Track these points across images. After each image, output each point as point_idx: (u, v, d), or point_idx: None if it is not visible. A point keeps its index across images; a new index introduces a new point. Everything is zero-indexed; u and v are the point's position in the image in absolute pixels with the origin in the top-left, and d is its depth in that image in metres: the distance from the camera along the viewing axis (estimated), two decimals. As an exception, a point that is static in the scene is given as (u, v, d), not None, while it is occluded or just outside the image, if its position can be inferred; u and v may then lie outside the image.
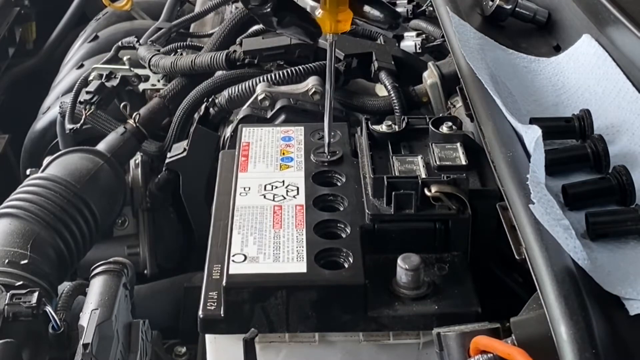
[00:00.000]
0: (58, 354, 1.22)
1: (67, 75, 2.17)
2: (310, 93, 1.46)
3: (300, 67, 1.51)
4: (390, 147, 1.16)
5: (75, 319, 1.24)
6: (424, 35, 1.64)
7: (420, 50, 1.62)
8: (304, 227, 1.07)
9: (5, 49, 2.66)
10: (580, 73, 1.17)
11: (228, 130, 1.53)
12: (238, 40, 1.70)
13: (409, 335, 1.03)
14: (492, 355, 0.83)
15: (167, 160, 1.61)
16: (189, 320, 1.51)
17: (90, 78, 1.81)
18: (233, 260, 1.02)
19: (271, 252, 1.03)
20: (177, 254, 1.76)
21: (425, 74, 1.46)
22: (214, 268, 1.05)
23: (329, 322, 1.01)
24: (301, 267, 1.01)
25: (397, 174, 1.11)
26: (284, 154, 1.22)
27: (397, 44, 1.64)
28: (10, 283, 1.27)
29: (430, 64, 1.46)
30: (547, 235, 0.81)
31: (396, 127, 1.20)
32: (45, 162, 1.59)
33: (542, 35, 1.35)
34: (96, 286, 1.30)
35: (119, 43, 1.91)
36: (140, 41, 1.89)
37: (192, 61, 1.68)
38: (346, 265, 1.02)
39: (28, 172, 1.68)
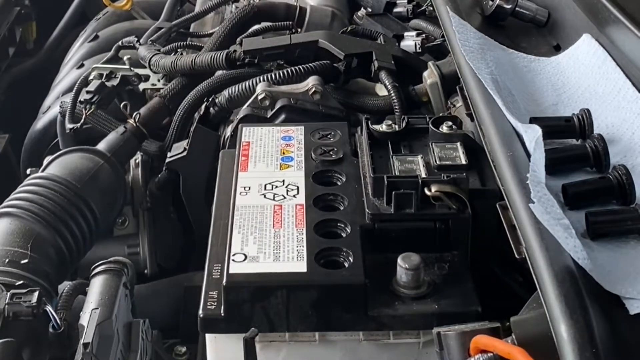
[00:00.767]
0: (58, 353, 1.22)
1: (67, 75, 2.17)
2: (310, 93, 1.46)
3: (300, 66, 1.51)
4: (390, 146, 1.17)
5: (76, 319, 1.24)
6: (424, 35, 1.64)
7: (420, 50, 1.62)
8: (304, 227, 1.07)
9: (5, 49, 2.66)
10: (580, 73, 1.17)
11: (228, 130, 1.53)
12: (238, 40, 1.70)
13: (409, 334, 1.03)
14: (492, 354, 0.83)
15: (167, 160, 1.61)
16: (189, 320, 1.51)
17: (91, 78, 1.81)
18: (233, 260, 1.02)
19: (271, 251, 1.03)
20: (177, 254, 1.76)
21: (425, 74, 1.46)
22: (214, 267, 1.05)
23: (329, 322, 1.01)
24: (301, 266, 1.01)
25: (397, 173, 1.11)
26: (284, 153, 1.22)
27: (397, 44, 1.64)
28: (10, 282, 1.27)
29: (430, 63, 1.46)
30: (547, 235, 0.81)
31: (396, 126, 1.20)
32: (45, 161, 1.59)
33: (542, 35, 1.35)
34: (96, 285, 1.30)
35: (119, 43, 1.91)
36: (141, 41, 1.89)
37: (192, 61, 1.68)
38: (346, 265, 1.02)
39: (28, 171, 1.67)
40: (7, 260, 1.33)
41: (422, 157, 1.13)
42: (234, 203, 1.12)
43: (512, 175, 0.91)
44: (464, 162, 1.12)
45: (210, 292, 1.02)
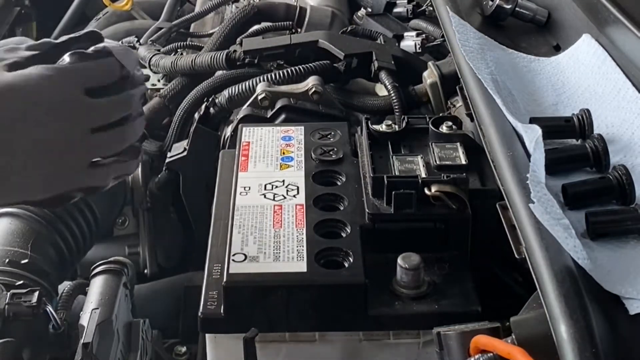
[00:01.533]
0: (58, 353, 1.22)
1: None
2: (310, 93, 1.46)
3: (300, 66, 1.51)
4: (390, 146, 1.17)
5: (76, 319, 1.24)
6: (424, 35, 1.64)
7: (420, 50, 1.62)
8: (304, 227, 1.07)
9: (5, 48, 2.66)
10: (580, 73, 1.17)
11: (228, 130, 1.53)
12: (238, 40, 1.70)
13: (409, 334, 1.03)
14: (492, 354, 0.83)
15: (167, 160, 1.61)
16: (189, 320, 1.51)
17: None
18: (233, 260, 1.02)
19: (271, 251, 1.03)
20: (177, 254, 1.76)
21: (425, 74, 1.46)
22: (214, 267, 1.05)
23: (329, 322, 1.02)
24: (301, 266, 1.01)
25: (397, 173, 1.11)
26: (284, 153, 1.22)
27: (397, 44, 1.64)
28: (10, 282, 1.27)
29: (430, 63, 1.46)
30: (547, 235, 0.81)
31: (396, 126, 1.20)
32: (45, 161, 1.59)
33: (542, 35, 1.35)
34: (96, 285, 1.30)
35: (119, 43, 1.91)
36: (141, 41, 1.89)
37: (192, 61, 1.68)
38: (346, 265, 1.02)
39: (28, 171, 1.67)
40: (7, 260, 1.33)
41: (422, 157, 1.14)
42: (234, 203, 1.12)
43: (512, 175, 0.91)
44: (464, 162, 1.12)
45: (210, 292, 1.02)
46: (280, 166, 1.19)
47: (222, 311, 1.00)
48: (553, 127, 1.04)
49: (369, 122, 1.21)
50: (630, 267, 0.82)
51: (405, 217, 1.07)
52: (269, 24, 1.76)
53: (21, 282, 1.28)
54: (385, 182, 1.07)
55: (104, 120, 0.92)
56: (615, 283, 0.79)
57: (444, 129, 1.18)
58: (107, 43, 0.97)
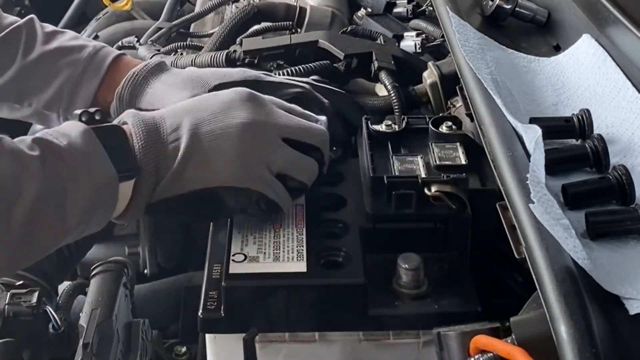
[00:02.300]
0: (58, 353, 1.22)
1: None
2: (310, 93, 1.45)
3: (300, 66, 1.51)
4: (390, 146, 1.16)
5: (76, 318, 1.24)
6: (424, 35, 1.64)
7: (420, 50, 1.62)
8: (304, 227, 1.07)
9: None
10: (580, 73, 1.17)
11: (228, 130, 1.52)
12: (238, 40, 1.70)
13: (409, 334, 1.03)
14: (492, 354, 0.83)
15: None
16: (189, 320, 1.51)
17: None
18: (233, 260, 1.02)
19: (271, 251, 1.03)
20: (177, 254, 1.76)
21: (425, 74, 1.46)
22: (214, 267, 1.05)
23: (329, 322, 1.02)
24: (301, 266, 1.01)
25: (397, 173, 1.11)
26: (284, 153, 1.22)
27: (397, 44, 1.64)
28: (10, 282, 1.28)
29: (430, 63, 1.46)
30: (547, 235, 0.81)
31: (396, 126, 1.20)
32: (45, 161, 1.59)
33: (542, 35, 1.35)
34: (96, 286, 1.30)
35: (119, 43, 1.91)
36: (141, 41, 1.89)
37: (192, 61, 1.68)
38: (346, 265, 1.02)
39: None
40: (7, 260, 1.32)
41: (422, 157, 1.13)
42: (234, 203, 1.12)
43: (512, 175, 0.91)
44: (463, 162, 1.12)
45: (210, 292, 1.02)
46: (280, 166, 1.19)
47: (222, 311, 1.00)
48: (553, 127, 1.04)
49: (369, 122, 1.21)
50: (630, 267, 0.82)
51: (405, 217, 1.07)
52: (269, 24, 1.76)
53: (21, 282, 1.28)
54: (385, 182, 1.07)
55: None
56: (615, 283, 0.79)
57: (444, 129, 1.18)
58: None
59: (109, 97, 1.25)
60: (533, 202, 0.83)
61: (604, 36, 1.19)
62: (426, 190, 1.06)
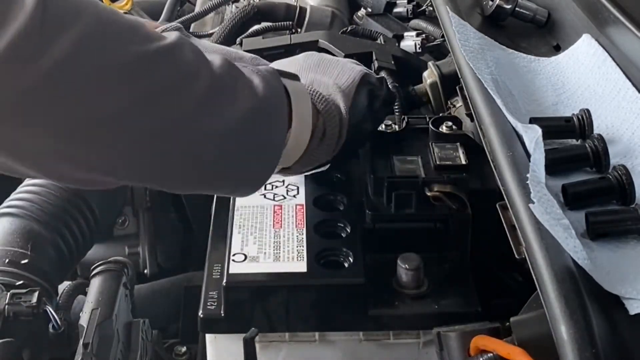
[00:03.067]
0: (58, 353, 1.22)
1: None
2: (310, 93, 1.45)
3: (300, 66, 1.51)
4: (390, 146, 1.17)
5: (76, 318, 1.24)
6: (424, 35, 1.64)
7: (420, 50, 1.62)
8: (304, 227, 1.07)
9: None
10: (580, 73, 1.17)
11: (228, 130, 1.52)
12: (238, 40, 1.70)
13: (409, 334, 1.03)
14: (492, 354, 0.83)
15: (167, 160, 1.61)
16: (189, 320, 1.51)
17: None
18: (233, 260, 1.02)
19: (271, 251, 1.03)
20: (177, 254, 1.76)
21: (425, 74, 1.46)
22: (214, 267, 1.05)
23: (329, 322, 1.02)
24: (301, 266, 1.01)
25: (397, 173, 1.11)
26: (284, 153, 1.22)
27: (397, 44, 1.64)
28: (10, 282, 1.27)
29: (430, 63, 1.46)
30: (547, 235, 0.81)
31: (396, 126, 1.20)
32: (45, 161, 1.59)
33: (542, 35, 1.35)
34: (96, 285, 1.30)
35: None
36: (141, 41, 1.89)
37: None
38: (346, 265, 1.02)
39: (28, 171, 1.67)
40: (7, 260, 1.33)
41: (422, 157, 1.14)
42: (233, 203, 1.12)
43: (512, 175, 0.91)
44: (464, 162, 1.12)
45: (210, 292, 1.02)
46: (280, 166, 1.19)
47: (222, 311, 1.00)
48: (553, 127, 1.04)
49: (372, 121, 1.20)
50: (630, 268, 0.82)
51: (405, 217, 1.07)
52: (269, 24, 1.76)
53: (21, 282, 1.28)
54: (386, 182, 1.07)
55: None
56: (615, 283, 0.79)
57: (444, 129, 1.18)
58: None
59: None
60: (533, 202, 0.83)
61: (604, 36, 1.19)
62: (426, 191, 1.06)
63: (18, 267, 1.32)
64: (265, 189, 1.14)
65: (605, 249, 0.86)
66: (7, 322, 1.18)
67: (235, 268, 1.01)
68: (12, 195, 1.47)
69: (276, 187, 1.15)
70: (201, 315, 1.01)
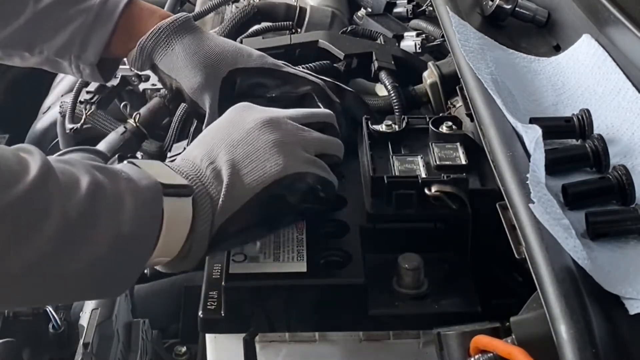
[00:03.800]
0: (58, 353, 1.22)
1: (67, 75, 2.16)
2: (310, 93, 1.45)
3: (300, 67, 1.51)
4: (390, 146, 1.16)
5: (76, 318, 1.25)
6: (424, 35, 1.64)
7: (420, 50, 1.62)
8: (304, 227, 1.07)
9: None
10: (580, 73, 1.17)
11: (228, 130, 1.52)
12: (238, 40, 1.70)
13: (409, 334, 1.03)
14: (492, 354, 0.83)
15: (167, 160, 1.61)
16: (189, 320, 1.51)
17: (91, 78, 1.81)
18: (233, 260, 1.02)
19: (271, 251, 1.03)
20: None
21: (425, 74, 1.46)
22: (214, 267, 1.05)
23: (329, 322, 1.02)
24: (301, 266, 1.01)
25: (397, 173, 1.11)
26: (284, 153, 1.22)
27: (397, 44, 1.64)
28: (10, 283, 1.27)
29: (430, 63, 1.46)
30: (547, 235, 0.81)
31: (396, 126, 1.20)
32: (45, 161, 1.59)
33: (542, 35, 1.35)
34: (96, 286, 1.30)
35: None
36: (141, 41, 1.89)
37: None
38: (346, 265, 1.02)
39: (28, 171, 1.67)
40: (7, 260, 1.32)
41: (422, 157, 1.13)
42: (234, 203, 1.11)
43: (512, 175, 0.91)
44: (464, 162, 1.12)
45: (210, 292, 1.02)
46: (280, 166, 1.19)
47: (222, 311, 1.00)
48: (553, 127, 1.04)
49: (369, 122, 1.21)
50: (630, 267, 0.82)
51: (405, 217, 1.07)
52: (269, 24, 1.76)
53: (21, 282, 1.28)
54: (386, 182, 1.07)
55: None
56: (615, 283, 0.79)
57: (444, 129, 1.18)
58: None
59: (124, 44, 1.25)
60: (533, 202, 0.83)
61: (604, 36, 1.19)
62: (426, 190, 1.06)
63: (18, 267, 1.32)
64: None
65: (605, 249, 0.86)
66: (7, 322, 1.18)
67: (235, 268, 1.01)
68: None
69: (276, 187, 1.14)
70: (201, 315, 1.01)
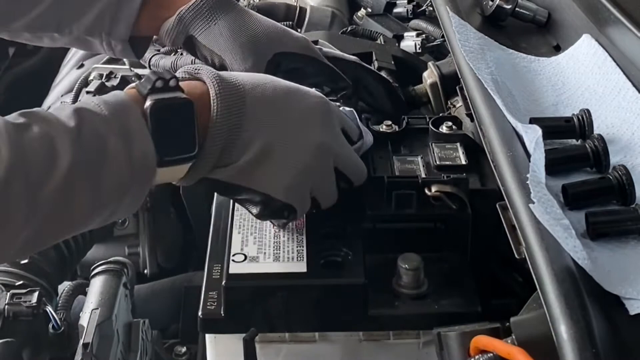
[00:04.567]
0: (58, 353, 1.22)
1: (67, 75, 2.16)
2: (310, 93, 1.45)
3: (300, 67, 1.51)
4: (390, 146, 1.17)
5: (76, 318, 1.25)
6: (424, 35, 1.64)
7: (420, 50, 1.62)
8: (304, 227, 1.07)
9: (5, 49, 2.66)
10: (580, 73, 1.17)
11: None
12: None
13: (409, 334, 1.03)
14: (492, 354, 0.83)
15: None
16: (189, 320, 1.51)
17: (91, 78, 1.81)
18: (233, 260, 1.02)
19: (271, 251, 1.03)
20: (177, 254, 1.76)
21: (425, 74, 1.46)
22: (214, 267, 1.05)
23: (329, 322, 1.02)
24: (301, 266, 1.01)
25: (397, 173, 1.11)
26: (284, 153, 1.22)
27: (397, 44, 1.64)
28: (10, 282, 1.28)
29: (430, 63, 1.46)
30: (547, 235, 0.81)
31: (396, 126, 1.20)
32: (45, 161, 1.59)
33: (542, 35, 1.35)
34: (96, 286, 1.30)
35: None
36: (141, 41, 1.89)
37: (192, 61, 1.68)
38: (346, 265, 1.02)
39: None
40: (7, 260, 1.33)
41: (422, 157, 1.14)
42: (234, 203, 1.12)
43: (512, 175, 0.91)
44: (464, 162, 1.12)
45: (210, 292, 1.02)
46: (280, 166, 1.19)
47: (222, 311, 1.00)
48: (553, 127, 1.04)
49: (369, 122, 1.21)
50: (630, 268, 0.82)
51: (405, 217, 1.07)
52: (269, 24, 1.76)
53: (21, 282, 1.28)
54: (386, 182, 1.07)
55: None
56: (615, 283, 0.79)
57: (444, 129, 1.18)
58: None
59: (155, 18, 1.21)
60: (533, 202, 0.83)
61: (604, 36, 1.19)
62: (426, 190, 1.06)
63: (18, 267, 1.32)
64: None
65: (605, 249, 0.86)
66: (7, 322, 1.18)
67: (235, 268, 1.01)
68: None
69: (276, 187, 1.15)
70: (201, 315, 1.01)
